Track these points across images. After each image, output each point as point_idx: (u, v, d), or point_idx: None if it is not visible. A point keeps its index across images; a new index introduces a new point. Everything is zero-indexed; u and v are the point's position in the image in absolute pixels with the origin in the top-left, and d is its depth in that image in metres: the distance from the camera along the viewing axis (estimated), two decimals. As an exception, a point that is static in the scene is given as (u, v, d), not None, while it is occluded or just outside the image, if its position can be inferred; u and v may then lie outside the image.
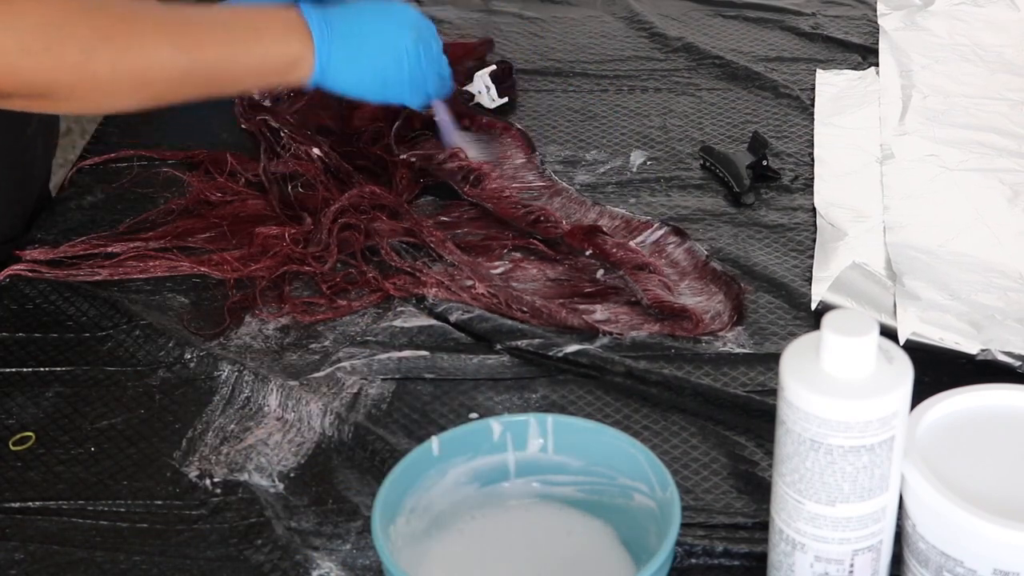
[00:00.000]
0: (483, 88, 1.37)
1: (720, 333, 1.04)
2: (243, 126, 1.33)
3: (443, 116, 1.25)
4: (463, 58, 1.41)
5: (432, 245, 1.14)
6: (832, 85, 1.38)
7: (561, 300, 1.08)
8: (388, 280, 1.10)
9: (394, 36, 1.10)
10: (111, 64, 0.96)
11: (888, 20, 1.48)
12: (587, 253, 1.13)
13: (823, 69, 1.42)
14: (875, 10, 1.51)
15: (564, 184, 1.24)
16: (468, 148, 1.27)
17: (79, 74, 0.95)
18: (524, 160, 1.27)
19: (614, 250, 1.12)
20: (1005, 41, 1.43)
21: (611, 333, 1.04)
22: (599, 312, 1.07)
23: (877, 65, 1.40)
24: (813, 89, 1.38)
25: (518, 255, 1.14)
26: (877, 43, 1.44)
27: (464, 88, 1.37)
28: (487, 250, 1.15)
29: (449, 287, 1.09)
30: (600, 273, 1.11)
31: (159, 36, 0.99)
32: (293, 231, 1.15)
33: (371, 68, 1.08)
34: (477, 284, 1.09)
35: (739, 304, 1.06)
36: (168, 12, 1.01)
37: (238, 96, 1.34)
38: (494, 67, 1.38)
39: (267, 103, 1.35)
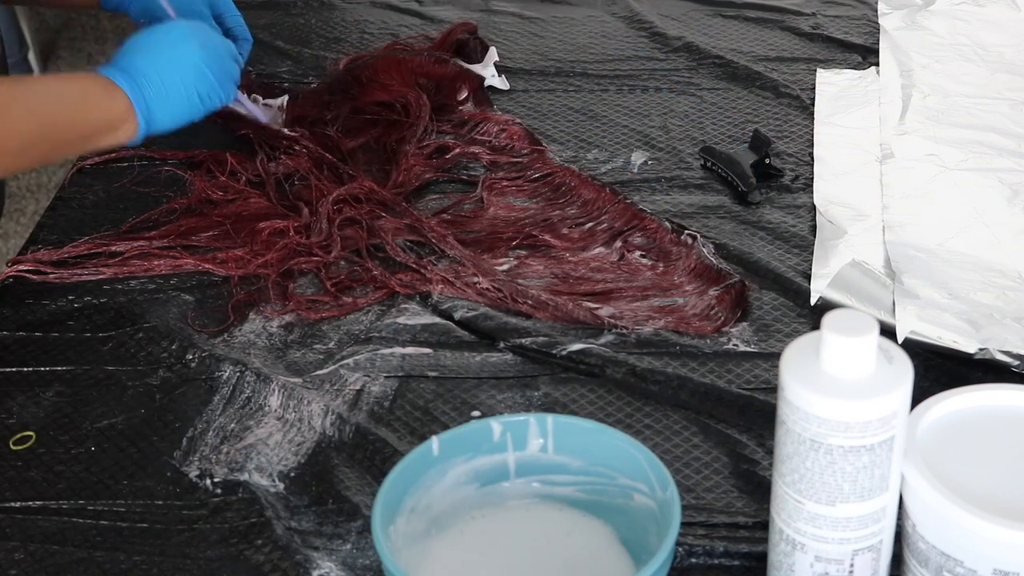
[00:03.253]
0: (494, 72, 1.40)
1: (725, 329, 1.04)
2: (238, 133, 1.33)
3: (245, 104, 1.29)
4: (444, 43, 1.43)
5: (434, 241, 1.14)
6: (832, 85, 1.38)
7: (567, 296, 1.08)
8: (394, 277, 1.10)
9: (186, 56, 1.12)
10: None
11: (889, 19, 1.48)
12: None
13: (823, 69, 1.42)
14: (875, 10, 1.52)
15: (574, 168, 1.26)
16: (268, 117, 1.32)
17: None
18: (529, 152, 1.28)
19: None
20: (1005, 41, 1.43)
21: (617, 326, 1.04)
22: (605, 309, 1.07)
23: (877, 65, 1.40)
24: (813, 89, 1.38)
25: (523, 252, 1.15)
26: (877, 43, 1.44)
27: (470, 69, 1.38)
28: (492, 247, 1.15)
29: (454, 283, 1.09)
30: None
31: (15, 105, 1.03)
32: (296, 224, 1.15)
33: (184, 96, 1.11)
34: (482, 279, 1.09)
35: (743, 301, 1.07)
36: (15, 82, 1.08)
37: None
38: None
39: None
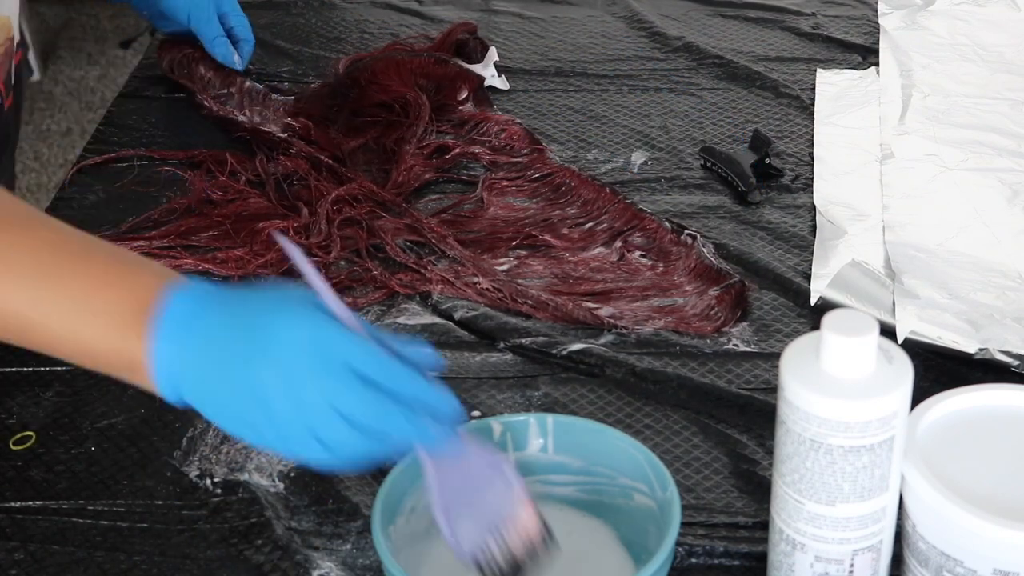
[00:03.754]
0: (494, 72, 1.40)
1: (724, 329, 1.04)
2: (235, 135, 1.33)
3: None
4: (444, 43, 1.43)
5: (434, 241, 1.14)
6: (832, 85, 1.38)
7: (567, 296, 1.08)
8: (394, 277, 1.10)
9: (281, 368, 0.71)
10: None
11: (889, 19, 1.48)
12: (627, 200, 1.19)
13: (823, 69, 1.42)
14: (875, 10, 1.52)
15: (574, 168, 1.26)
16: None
17: None
18: (529, 152, 1.28)
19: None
20: (1005, 41, 1.43)
21: (617, 326, 1.04)
22: (605, 309, 1.07)
23: (877, 65, 1.40)
24: (813, 89, 1.38)
25: (523, 252, 1.15)
26: (877, 43, 1.44)
27: (470, 69, 1.38)
28: (492, 247, 1.15)
29: (454, 283, 1.09)
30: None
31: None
32: (295, 224, 1.15)
33: (231, 403, 0.74)
34: (482, 279, 1.09)
35: (743, 301, 1.07)
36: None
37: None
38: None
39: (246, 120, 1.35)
